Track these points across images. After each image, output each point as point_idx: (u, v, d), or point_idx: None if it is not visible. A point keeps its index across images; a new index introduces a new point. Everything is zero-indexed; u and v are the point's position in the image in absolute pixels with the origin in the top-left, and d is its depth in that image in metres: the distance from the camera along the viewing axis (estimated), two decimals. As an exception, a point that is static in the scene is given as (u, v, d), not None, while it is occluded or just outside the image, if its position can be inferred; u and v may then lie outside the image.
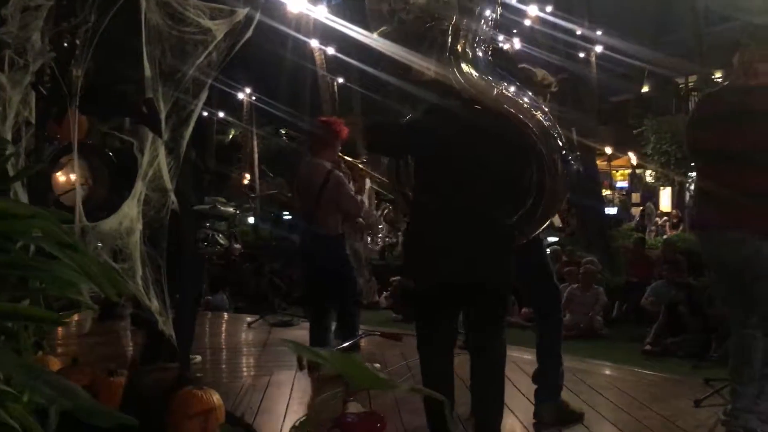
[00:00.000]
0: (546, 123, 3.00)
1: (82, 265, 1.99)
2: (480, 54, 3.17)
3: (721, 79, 18.90)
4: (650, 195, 21.77)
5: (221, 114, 20.68)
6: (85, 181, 4.35)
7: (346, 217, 4.90)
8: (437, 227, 2.95)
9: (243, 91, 19.82)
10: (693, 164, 3.77)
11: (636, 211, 21.26)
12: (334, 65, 18.28)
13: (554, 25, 15.96)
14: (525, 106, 3.00)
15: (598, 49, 16.92)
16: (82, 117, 3.79)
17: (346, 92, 20.37)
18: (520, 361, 4.39)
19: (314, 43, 17.15)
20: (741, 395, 3.16)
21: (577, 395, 4.06)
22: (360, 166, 5.19)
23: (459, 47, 3.14)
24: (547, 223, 3.36)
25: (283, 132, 7.13)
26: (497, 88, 3.06)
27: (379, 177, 5.70)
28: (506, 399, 3.11)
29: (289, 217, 17.73)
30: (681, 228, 17.64)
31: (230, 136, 24.32)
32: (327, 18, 14.13)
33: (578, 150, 3.51)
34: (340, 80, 19.60)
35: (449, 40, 3.14)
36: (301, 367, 4.42)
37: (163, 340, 4.48)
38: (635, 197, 22.89)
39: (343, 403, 2.79)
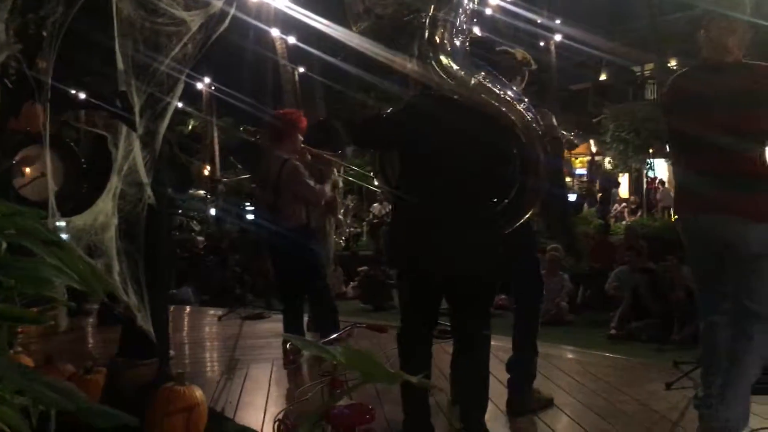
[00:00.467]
0: (528, 115, 3.01)
1: (67, 263, 1.96)
2: (458, 44, 3.15)
3: (676, 67, 19.34)
4: (610, 181, 22.18)
5: (180, 104, 20.37)
6: (41, 173, 4.27)
7: (308, 206, 4.89)
8: (421, 219, 2.97)
9: (202, 81, 19.53)
10: (669, 147, 3.64)
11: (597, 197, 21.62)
12: (295, 54, 18.13)
13: (515, 15, 16.12)
14: (506, 97, 3.01)
15: (558, 38, 17.12)
16: (37, 107, 3.69)
17: (308, 82, 20.23)
18: (494, 348, 4.43)
19: (275, 33, 16.97)
20: (711, 382, 3.20)
21: (552, 381, 4.14)
22: (326, 155, 5.18)
23: (437, 38, 3.13)
24: (528, 215, 3.37)
25: (242, 128, 7.11)
26: (476, 80, 3.05)
27: (349, 166, 5.69)
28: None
29: (251, 208, 17.57)
30: (639, 214, 18.03)
31: (189, 127, 23.98)
32: (288, 7, 13.98)
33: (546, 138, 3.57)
34: (302, 70, 19.46)
35: (427, 31, 3.13)
36: (287, 363, 4.43)
37: (140, 336, 4.45)
38: (598, 186, 23.28)
39: (329, 395, 2.80)
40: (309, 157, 4.97)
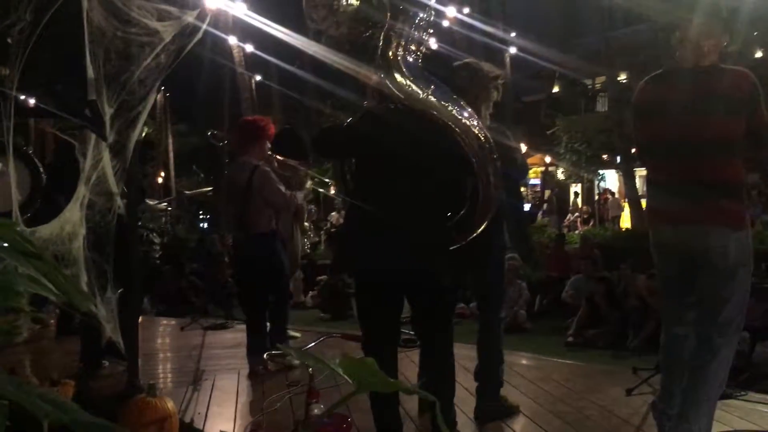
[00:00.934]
0: (476, 130, 3.02)
1: (48, 276, 1.95)
2: (410, 60, 3.15)
3: (626, 80, 19.87)
4: (554, 188, 22.61)
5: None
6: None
7: (277, 213, 4.90)
8: (373, 226, 3.00)
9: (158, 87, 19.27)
10: (640, 155, 3.48)
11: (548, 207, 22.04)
12: (253, 62, 18.04)
13: (471, 27, 16.37)
14: (453, 112, 3.02)
15: (512, 50, 17.41)
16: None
17: (265, 90, 20.13)
18: (458, 356, 4.50)
19: (233, 41, 16.86)
20: (673, 394, 3.15)
21: (518, 388, 4.23)
22: (292, 163, 5.19)
23: (390, 54, 3.15)
24: (483, 227, 3.37)
25: (209, 133, 6.98)
26: (426, 94, 3.05)
27: (315, 175, 5.70)
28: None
29: (206, 216, 17.38)
30: (591, 223, 18.45)
31: (143, 134, 23.60)
32: (246, 15, 13.92)
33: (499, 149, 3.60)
34: (259, 78, 19.36)
35: (381, 47, 3.17)
36: (265, 369, 4.42)
37: (102, 347, 4.39)
38: (547, 194, 23.72)
39: (306, 406, 2.82)
40: (275, 164, 4.98)
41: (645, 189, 3.24)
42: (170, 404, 3.12)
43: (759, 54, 16.23)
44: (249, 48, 16.79)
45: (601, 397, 4.03)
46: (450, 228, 3.07)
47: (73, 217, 3.33)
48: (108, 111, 3.39)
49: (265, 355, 4.59)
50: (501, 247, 3.69)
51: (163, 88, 19.46)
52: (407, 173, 2.94)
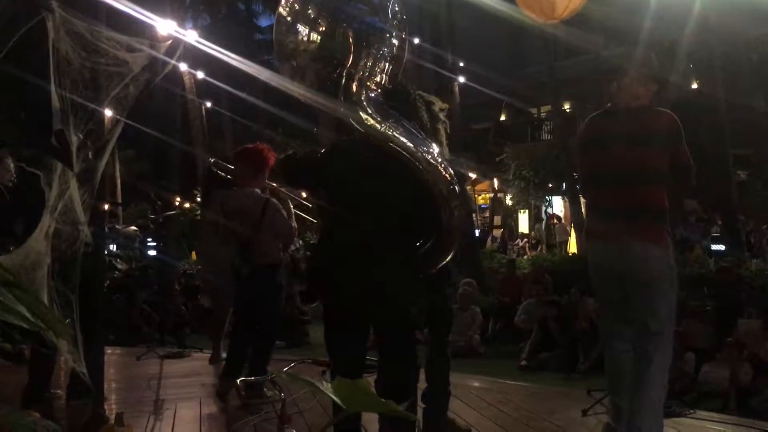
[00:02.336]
0: (441, 166, 3.11)
1: (29, 306, 1.97)
2: (372, 95, 3.24)
3: (570, 110, 20.50)
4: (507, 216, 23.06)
5: (80, 137, 19.66)
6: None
7: (284, 245, 4.93)
8: (338, 256, 3.09)
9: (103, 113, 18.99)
10: (581, 183, 3.92)
11: (497, 232, 22.40)
12: (204, 89, 17.99)
13: (420, 55, 16.71)
14: (409, 144, 3.10)
15: (461, 79, 17.79)
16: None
17: (216, 116, 20.07)
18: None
19: (183, 67, 16.81)
20: (619, 407, 3.39)
21: (477, 411, 4.33)
22: (284, 191, 5.21)
23: (353, 89, 3.22)
24: (449, 257, 3.47)
25: (212, 161, 6.73)
26: (385, 126, 3.14)
27: (304, 202, 5.71)
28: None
29: (154, 244, 17.14)
30: (540, 249, 18.84)
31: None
32: (197, 42, 13.92)
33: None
34: (209, 104, 19.31)
35: (343, 82, 3.25)
36: (240, 397, 4.38)
37: (49, 377, 4.32)
38: (497, 220, 24.13)
39: (278, 431, 2.86)
40: (279, 195, 4.97)
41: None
42: (137, 434, 3.12)
43: (695, 85, 17.01)
44: (200, 75, 16.79)
45: (558, 418, 4.16)
46: (416, 259, 3.16)
47: (37, 246, 3.31)
48: (75, 141, 3.41)
49: (238, 381, 4.54)
50: (449, 273, 3.79)
51: (110, 113, 19.23)
52: (372, 207, 3.03)
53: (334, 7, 3.35)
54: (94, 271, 3.56)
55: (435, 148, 3.29)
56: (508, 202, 22.08)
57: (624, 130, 3.35)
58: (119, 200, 20.40)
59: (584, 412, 4.22)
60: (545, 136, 22.18)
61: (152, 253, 17.37)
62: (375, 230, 3.01)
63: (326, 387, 1.71)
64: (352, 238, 3.01)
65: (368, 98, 3.24)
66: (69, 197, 3.38)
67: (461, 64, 17.92)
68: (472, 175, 19.69)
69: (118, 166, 20.87)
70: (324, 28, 3.37)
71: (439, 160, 3.22)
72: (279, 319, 4.97)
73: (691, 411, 4.35)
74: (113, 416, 3.52)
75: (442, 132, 3.81)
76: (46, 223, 3.29)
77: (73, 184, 3.41)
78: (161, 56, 3.71)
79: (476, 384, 5.18)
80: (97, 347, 3.43)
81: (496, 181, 21.16)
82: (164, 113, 19.85)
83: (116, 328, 10.66)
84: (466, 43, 18.18)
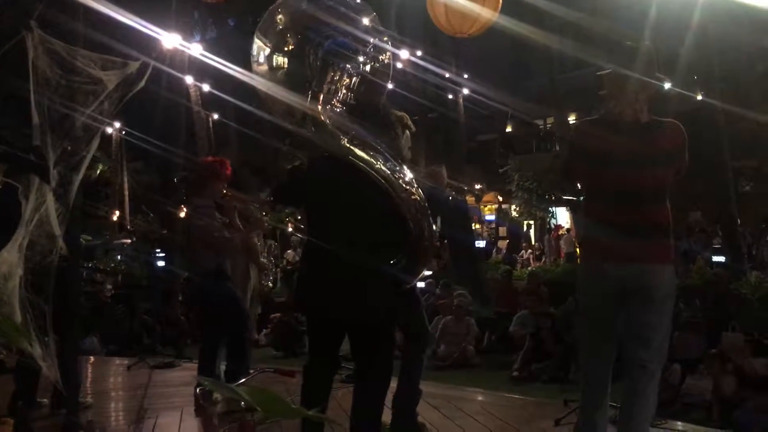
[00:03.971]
0: (412, 189, 3.16)
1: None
2: (337, 110, 3.30)
3: (574, 121, 20.51)
4: (516, 229, 23.04)
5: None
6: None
7: (221, 253, 5.00)
8: (318, 267, 3.18)
9: (112, 125, 19.21)
10: (583, 192, 3.67)
11: (503, 244, 22.41)
12: (210, 101, 18.18)
13: (424, 69, 16.82)
14: (371, 157, 3.13)
15: (465, 91, 17.87)
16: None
17: (223, 128, 20.25)
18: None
19: (189, 80, 16.99)
20: (596, 425, 3.31)
21: (452, 420, 4.39)
22: (249, 201, 5.32)
23: (319, 109, 3.27)
24: (423, 272, 3.53)
25: (176, 179, 7.09)
26: (346, 139, 3.18)
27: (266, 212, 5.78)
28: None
29: (162, 254, 17.32)
30: (543, 260, 18.83)
31: (98, 171, 23.38)
32: (202, 54, 14.10)
33: (450, 187, 3.73)
34: (216, 116, 19.48)
35: (308, 102, 3.28)
36: (197, 405, 4.47)
37: (35, 386, 4.41)
38: (502, 231, 24.13)
39: (239, 439, 2.93)
40: (233, 203, 5.08)
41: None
42: (108, 441, 3.21)
43: (699, 97, 16.98)
44: (206, 87, 16.97)
45: (530, 428, 4.22)
46: (390, 270, 3.22)
47: (10, 257, 3.42)
48: (52, 156, 3.52)
49: (196, 389, 4.63)
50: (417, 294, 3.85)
51: (119, 125, 19.46)
52: (348, 220, 3.11)
53: (303, 27, 3.44)
54: (70, 281, 3.66)
55: (406, 171, 3.32)
56: (514, 213, 22.09)
57: (636, 148, 3.17)
58: (127, 211, 20.61)
59: (557, 422, 4.26)
60: (550, 148, 22.22)
61: (160, 264, 17.56)
62: (349, 242, 3.07)
63: (243, 392, 1.80)
64: (327, 251, 3.10)
65: (332, 116, 3.29)
66: (45, 210, 3.49)
67: (465, 76, 18.02)
68: (477, 187, 19.77)
69: (126, 178, 21.07)
70: (292, 48, 3.46)
71: (414, 186, 3.24)
72: (239, 324, 5.01)
73: (663, 421, 4.37)
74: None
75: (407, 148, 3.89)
76: (20, 234, 3.40)
77: (50, 198, 3.52)
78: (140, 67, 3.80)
79: (458, 394, 5.23)
80: (72, 356, 3.51)
81: (500, 194, 21.19)
82: (171, 125, 20.11)
83: (116, 340, 10.82)
84: (469, 55, 18.29)
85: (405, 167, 3.36)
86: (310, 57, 3.39)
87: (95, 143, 3.55)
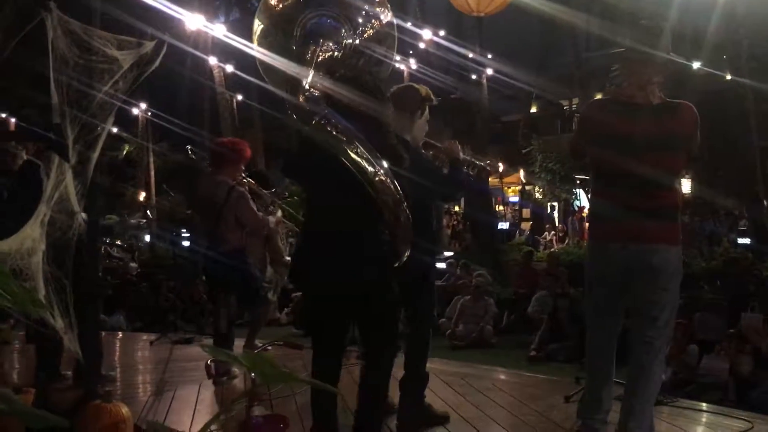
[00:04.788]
0: (366, 154, 3.04)
1: (3, 286, 2.15)
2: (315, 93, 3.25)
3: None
4: (540, 210, 22.92)
5: (115, 129, 20.19)
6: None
7: (249, 232, 5.10)
8: (315, 244, 3.20)
9: (138, 106, 19.46)
10: (584, 175, 3.69)
11: (526, 225, 22.33)
12: (233, 82, 18.30)
13: (448, 49, 16.74)
14: (342, 136, 3.04)
15: (489, 71, 17.75)
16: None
17: (246, 109, 20.40)
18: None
19: (213, 61, 17.13)
20: (601, 400, 3.40)
21: (463, 396, 4.45)
22: (262, 191, 5.42)
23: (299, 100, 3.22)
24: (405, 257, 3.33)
25: (189, 149, 7.23)
26: (316, 120, 3.10)
27: (279, 202, 5.88)
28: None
29: (187, 234, 17.53)
30: (567, 242, 18.75)
31: (124, 152, 23.73)
32: (225, 36, 14.19)
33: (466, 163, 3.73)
34: (240, 97, 19.63)
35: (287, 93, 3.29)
36: (209, 376, 4.59)
37: (58, 356, 4.57)
38: (526, 213, 24.04)
39: (247, 409, 3.01)
40: (247, 187, 5.17)
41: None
42: (124, 410, 3.31)
43: (728, 77, 16.67)
44: (229, 68, 17.09)
45: (540, 404, 4.26)
46: (390, 249, 3.22)
47: (33, 233, 3.53)
48: (71, 133, 3.61)
49: (208, 361, 4.73)
50: (426, 265, 3.83)
51: (144, 106, 19.70)
52: (334, 195, 3.10)
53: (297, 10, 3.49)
54: (91, 256, 3.76)
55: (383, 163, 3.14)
56: (537, 195, 21.97)
57: (646, 130, 3.14)
58: (153, 191, 20.90)
59: (567, 399, 4.30)
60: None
61: (186, 243, 17.77)
62: (335, 219, 3.09)
63: (238, 357, 1.87)
64: (322, 225, 3.15)
65: (317, 83, 3.25)
66: (65, 187, 3.60)
67: (489, 56, 17.90)
68: (500, 167, 19.67)
69: (152, 158, 21.34)
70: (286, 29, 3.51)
71: (394, 184, 3.11)
72: (252, 295, 5.11)
73: (675, 399, 4.39)
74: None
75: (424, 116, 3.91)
76: (42, 211, 3.51)
77: (69, 175, 3.62)
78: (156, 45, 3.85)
79: (471, 371, 5.29)
80: (91, 328, 3.63)
81: (522, 174, 21.08)
82: (195, 106, 20.32)
83: (142, 316, 11.07)
84: (494, 35, 18.15)
85: (382, 160, 3.12)
86: (296, 32, 3.45)
87: (110, 121, 3.63)
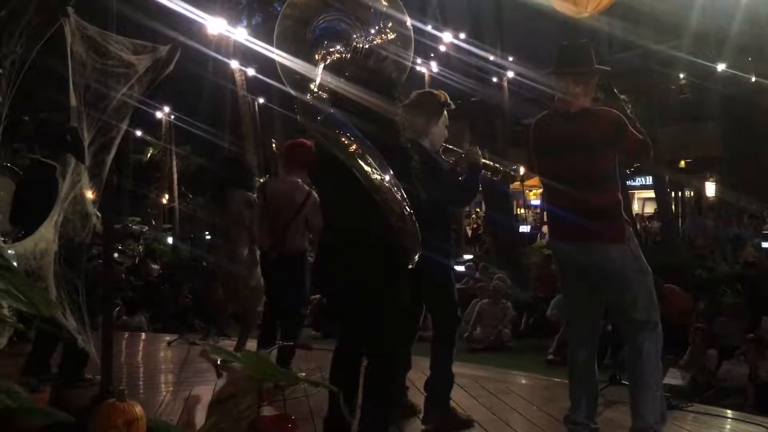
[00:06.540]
0: (368, 156, 3.03)
1: (16, 287, 2.19)
2: (325, 96, 3.28)
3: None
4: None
5: (139, 133, 20.43)
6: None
7: (313, 236, 5.12)
8: (326, 249, 3.29)
9: (161, 110, 19.67)
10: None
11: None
12: (255, 85, 18.43)
13: (468, 52, 16.69)
14: (342, 139, 3.05)
15: (510, 74, 17.68)
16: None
17: (268, 112, 20.52)
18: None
19: (234, 64, 17.27)
20: (579, 402, 3.54)
21: (476, 399, 4.44)
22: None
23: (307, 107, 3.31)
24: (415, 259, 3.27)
25: (273, 143, 7.22)
26: (316, 125, 3.18)
27: None
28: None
29: (209, 237, 17.71)
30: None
31: (147, 156, 24.01)
32: (247, 40, 14.31)
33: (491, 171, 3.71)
34: (261, 100, 19.75)
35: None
36: (218, 375, 4.62)
37: (51, 352, 4.63)
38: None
39: (257, 408, 3.03)
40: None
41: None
42: (138, 408, 3.35)
43: (753, 78, 16.44)
44: (251, 72, 17.21)
45: (553, 407, 4.23)
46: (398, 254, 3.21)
47: (47, 234, 3.59)
48: (87, 136, 3.68)
49: (219, 361, 4.72)
50: (447, 267, 3.85)
51: (168, 110, 19.90)
52: (339, 204, 3.19)
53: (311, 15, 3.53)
54: (106, 258, 3.82)
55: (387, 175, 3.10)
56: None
57: (565, 137, 3.40)
58: (176, 195, 21.11)
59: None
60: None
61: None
62: (341, 226, 3.15)
63: (240, 357, 1.89)
64: (332, 229, 3.18)
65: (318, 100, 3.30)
66: (80, 189, 3.66)
67: (510, 59, 17.83)
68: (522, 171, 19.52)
69: (175, 162, 21.55)
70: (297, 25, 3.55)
71: (401, 195, 3.10)
72: (302, 301, 5.16)
73: (690, 405, 4.34)
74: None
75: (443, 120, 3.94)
76: (56, 212, 3.57)
77: (85, 177, 3.68)
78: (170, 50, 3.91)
79: (482, 374, 5.28)
80: (107, 328, 3.68)
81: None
82: (217, 110, 20.48)
83: (163, 317, 11.19)
84: (514, 38, 18.09)
85: (387, 173, 3.08)
86: (309, 35, 3.48)
87: (126, 123, 3.68)
